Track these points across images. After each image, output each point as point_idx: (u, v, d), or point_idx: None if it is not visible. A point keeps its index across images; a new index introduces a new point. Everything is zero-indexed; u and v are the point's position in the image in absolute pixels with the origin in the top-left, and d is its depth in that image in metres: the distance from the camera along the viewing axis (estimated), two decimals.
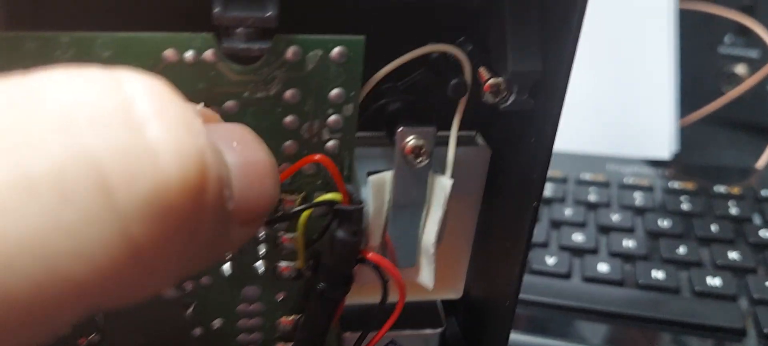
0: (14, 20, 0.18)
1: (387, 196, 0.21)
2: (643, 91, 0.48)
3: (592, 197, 0.43)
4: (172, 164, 0.12)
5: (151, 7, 0.19)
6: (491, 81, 0.20)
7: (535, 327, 0.34)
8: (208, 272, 0.22)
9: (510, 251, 0.23)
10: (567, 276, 0.37)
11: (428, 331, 0.25)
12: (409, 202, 0.21)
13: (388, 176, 0.21)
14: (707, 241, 0.39)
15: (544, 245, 0.39)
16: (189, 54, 0.18)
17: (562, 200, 0.43)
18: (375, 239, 0.22)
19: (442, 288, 0.26)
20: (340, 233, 0.20)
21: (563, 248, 0.39)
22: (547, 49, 0.20)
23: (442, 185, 0.21)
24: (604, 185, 0.44)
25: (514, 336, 0.33)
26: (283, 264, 0.22)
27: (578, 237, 0.39)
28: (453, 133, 0.21)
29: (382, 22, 0.21)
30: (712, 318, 0.34)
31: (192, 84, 0.18)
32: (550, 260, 0.38)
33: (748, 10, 0.50)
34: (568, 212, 0.42)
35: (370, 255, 0.21)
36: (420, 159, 0.20)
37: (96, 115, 0.12)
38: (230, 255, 0.22)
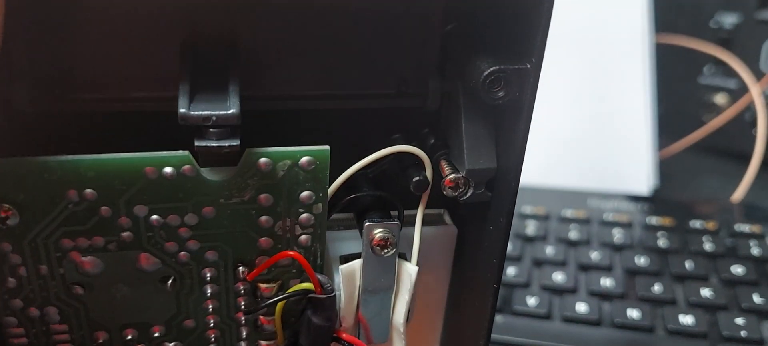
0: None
1: (357, 282, 0.23)
2: (621, 128, 0.50)
3: (573, 235, 0.44)
4: None
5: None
6: (451, 177, 0.22)
7: None
8: None
9: (476, 326, 0.24)
10: (547, 317, 0.39)
11: None
12: (378, 288, 0.23)
13: (357, 264, 0.22)
14: (681, 278, 0.40)
15: (526, 285, 0.41)
16: (168, 170, 0.19)
17: (544, 239, 0.45)
18: (348, 321, 0.23)
19: None
20: (315, 319, 0.22)
21: (544, 288, 0.40)
22: (500, 147, 0.22)
23: (409, 271, 0.23)
24: (584, 221, 0.46)
25: None
26: (263, 343, 0.24)
27: (558, 276, 0.41)
28: (418, 224, 0.23)
29: (355, 119, 0.23)
30: None
31: (172, 194, 0.20)
32: (532, 301, 0.39)
33: (725, 44, 0.51)
34: (549, 250, 0.43)
35: (344, 336, 0.23)
36: (386, 250, 0.22)
37: None
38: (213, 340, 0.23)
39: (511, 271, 0.41)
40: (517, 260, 0.43)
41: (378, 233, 0.22)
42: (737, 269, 0.40)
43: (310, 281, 0.22)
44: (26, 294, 0.21)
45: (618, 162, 0.50)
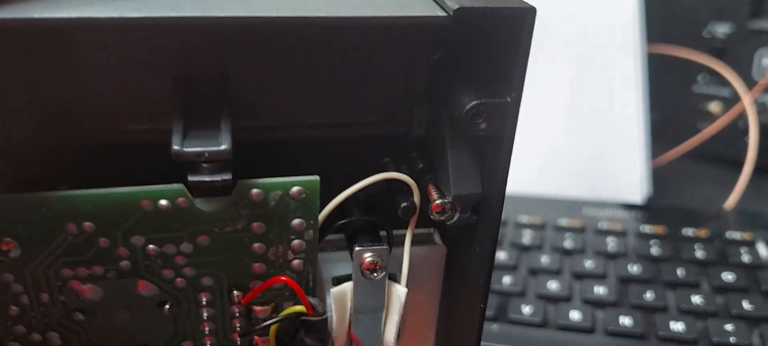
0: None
1: (348, 304, 0.23)
2: (614, 138, 0.50)
3: (568, 244, 0.45)
4: None
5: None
6: (438, 202, 0.23)
7: None
8: None
9: (464, 342, 0.25)
10: (542, 325, 0.39)
11: None
12: (368, 309, 0.24)
13: (348, 287, 0.23)
14: (673, 285, 0.41)
15: (522, 293, 0.42)
16: (163, 202, 0.20)
17: (539, 248, 0.45)
18: (341, 341, 0.24)
19: None
20: (308, 340, 0.23)
21: (539, 297, 0.41)
22: (484, 174, 0.22)
23: (398, 293, 0.23)
24: (579, 230, 0.47)
25: None
26: None
27: (553, 285, 0.42)
28: (406, 247, 0.24)
29: (345, 146, 0.24)
30: None
31: (167, 224, 0.21)
32: (526, 309, 0.40)
33: (718, 53, 0.52)
34: (544, 259, 0.44)
35: None
36: (376, 273, 0.23)
37: None
38: None
39: (506, 280, 0.42)
40: (512, 269, 0.44)
41: (367, 257, 0.23)
42: (728, 276, 0.41)
43: (302, 304, 0.23)
44: (29, 321, 0.22)
45: (612, 171, 0.50)
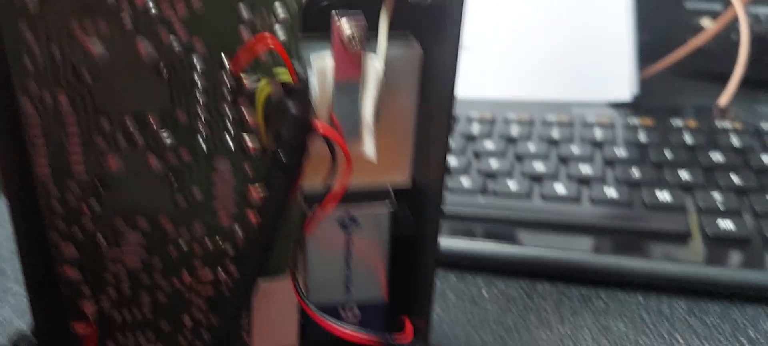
0: None
1: (329, 78, 0.26)
2: (603, 41, 0.52)
3: (556, 134, 0.47)
4: None
5: None
6: None
7: (494, 236, 0.38)
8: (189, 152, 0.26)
9: (436, 142, 0.27)
10: (527, 196, 0.41)
11: (379, 209, 0.30)
12: (347, 83, 0.26)
13: (328, 61, 0.25)
14: (660, 165, 0.42)
15: (509, 174, 0.43)
16: None
17: (527, 138, 0.47)
18: (323, 118, 0.26)
19: (390, 173, 0.30)
20: (293, 108, 0.25)
21: (525, 175, 0.43)
22: None
23: (375, 65, 0.25)
24: (567, 124, 0.48)
25: (471, 244, 0.37)
26: (250, 144, 0.27)
27: (540, 166, 0.43)
28: (383, 25, 0.26)
29: None
30: (660, 225, 0.37)
31: None
32: (512, 185, 0.41)
33: None
34: (531, 146, 0.45)
35: (321, 126, 0.26)
36: (353, 43, 0.25)
37: None
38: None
39: (493, 162, 0.44)
40: (500, 155, 0.45)
41: (346, 28, 0.25)
42: (717, 156, 0.42)
43: (286, 73, 0.25)
44: (40, 79, 0.24)
45: (601, 74, 0.52)
